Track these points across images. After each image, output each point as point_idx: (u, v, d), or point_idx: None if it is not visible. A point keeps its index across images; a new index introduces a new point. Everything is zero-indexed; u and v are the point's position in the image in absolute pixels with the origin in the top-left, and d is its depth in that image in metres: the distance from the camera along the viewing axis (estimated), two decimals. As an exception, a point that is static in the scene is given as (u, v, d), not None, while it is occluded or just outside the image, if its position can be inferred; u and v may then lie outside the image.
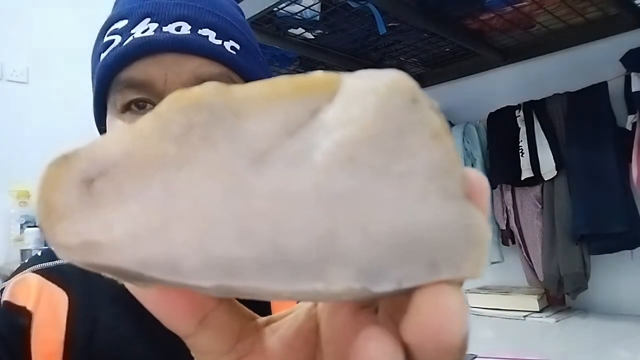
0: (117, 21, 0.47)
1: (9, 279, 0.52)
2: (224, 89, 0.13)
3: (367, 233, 0.12)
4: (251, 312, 0.20)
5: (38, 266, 0.52)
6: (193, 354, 0.18)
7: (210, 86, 0.13)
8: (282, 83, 0.13)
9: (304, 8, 1.17)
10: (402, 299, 0.14)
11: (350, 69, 1.61)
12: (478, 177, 0.14)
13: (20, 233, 2.15)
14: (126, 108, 0.45)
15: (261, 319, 0.20)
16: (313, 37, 1.35)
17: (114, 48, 0.45)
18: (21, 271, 0.53)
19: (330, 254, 0.12)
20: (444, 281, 0.13)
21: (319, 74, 0.13)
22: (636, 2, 1.20)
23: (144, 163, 0.12)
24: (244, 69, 0.48)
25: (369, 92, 0.13)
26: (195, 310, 0.16)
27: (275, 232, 0.12)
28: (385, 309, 0.17)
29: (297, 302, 0.19)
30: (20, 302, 0.49)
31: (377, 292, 0.13)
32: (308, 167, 0.12)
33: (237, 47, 0.48)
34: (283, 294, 0.13)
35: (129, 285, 0.15)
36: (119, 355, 0.48)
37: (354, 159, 0.12)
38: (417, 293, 0.13)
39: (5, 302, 0.49)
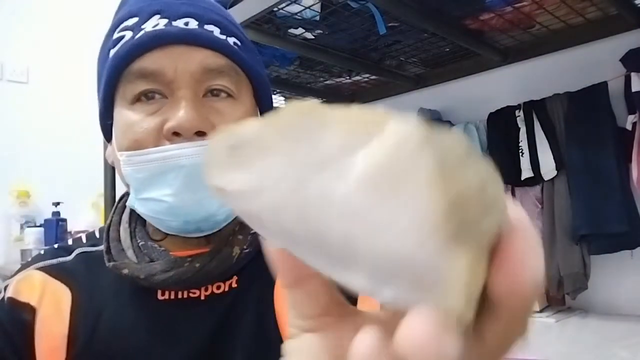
0: (127, 19, 0.50)
1: (12, 277, 0.53)
2: (320, 105, 0.17)
3: (373, 245, 0.15)
4: (343, 298, 0.22)
5: (41, 263, 0.54)
6: (289, 309, 0.22)
7: (312, 102, 0.17)
8: (359, 113, 0.16)
9: (304, 8, 1.17)
10: None
11: (351, 69, 1.61)
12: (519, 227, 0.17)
13: (20, 233, 2.15)
14: (136, 99, 0.48)
15: (351, 307, 0.22)
16: (313, 37, 1.35)
17: (125, 42, 0.48)
18: (25, 268, 0.54)
19: (352, 253, 0.16)
20: (428, 309, 0.15)
21: (379, 112, 0.16)
22: (636, 2, 1.20)
23: (262, 144, 0.18)
24: (247, 62, 0.51)
25: (401, 136, 0.16)
26: (295, 269, 0.20)
27: (319, 220, 0.16)
28: None
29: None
30: (24, 298, 0.50)
31: (382, 297, 0.16)
32: (346, 178, 0.16)
33: (239, 43, 0.51)
34: (325, 270, 0.17)
35: (263, 241, 0.20)
36: (122, 349, 0.49)
37: (377, 184, 0.15)
38: (405, 316, 0.15)
39: (10, 298, 0.50)
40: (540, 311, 1.30)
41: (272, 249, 0.20)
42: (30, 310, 0.49)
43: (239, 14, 1.09)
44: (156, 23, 0.48)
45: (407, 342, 0.15)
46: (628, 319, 1.21)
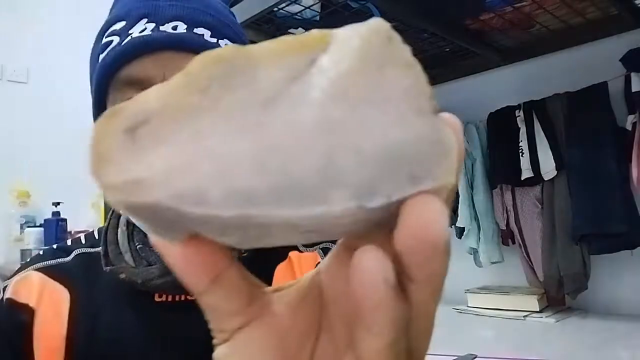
0: (114, 23, 0.49)
1: (11, 277, 0.53)
2: (241, 47, 0.15)
3: (358, 155, 0.14)
4: (260, 281, 0.21)
5: (40, 264, 0.53)
6: (206, 314, 0.19)
7: (229, 46, 0.15)
8: (287, 40, 0.15)
9: (304, 8, 1.17)
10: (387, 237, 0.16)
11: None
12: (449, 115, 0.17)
13: (20, 233, 2.15)
14: None
15: (269, 288, 0.21)
16: (313, 37, 1.35)
17: (112, 48, 0.47)
18: (24, 269, 0.54)
19: (330, 177, 0.14)
20: (425, 191, 0.15)
21: (315, 31, 0.15)
22: (636, 2, 1.20)
23: (176, 112, 0.15)
24: None
25: (354, 37, 0.15)
26: (209, 266, 0.18)
27: (284, 161, 0.14)
28: None
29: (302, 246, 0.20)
30: (22, 299, 0.50)
31: (372, 207, 0.15)
32: (308, 103, 0.14)
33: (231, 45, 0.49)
34: (292, 220, 0.15)
35: (156, 242, 0.17)
36: (120, 349, 0.49)
37: (345, 92, 0.15)
38: (404, 205, 0.15)
39: (8, 299, 0.50)
40: (540, 311, 1.30)
41: (176, 249, 0.17)
42: (29, 311, 0.49)
43: (239, 14, 1.09)
44: (143, 28, 0.47)
45: (419, 226, 0.14)
46: (628, 319, 1.21)
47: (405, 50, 0.16)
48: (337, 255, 0.20)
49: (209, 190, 0.14)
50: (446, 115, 0.16)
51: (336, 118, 0.14)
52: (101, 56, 0.48)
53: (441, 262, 0.15)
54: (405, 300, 0.16)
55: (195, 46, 0.46)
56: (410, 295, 0.16)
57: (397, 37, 0.16)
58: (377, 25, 0.16)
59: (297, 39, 0.15)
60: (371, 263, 0.15)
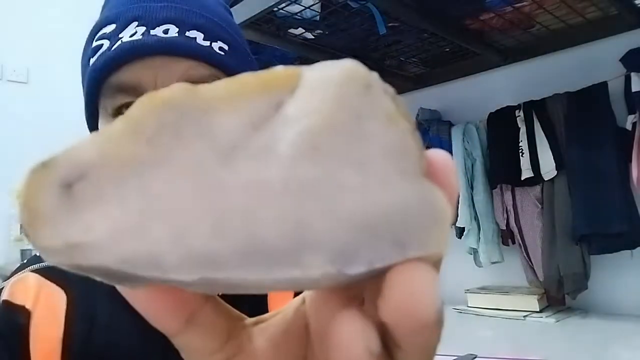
0: (105, 26, 0.47)
1: (8, 279, 0.53)
2: (192, 88, 0.13)
3: (335, 218, 0.13)
4: (239, 312, 0.19)
5: (37, 265, 0.53)
6: (182, 355, 0.18)
7: (178, 87, 0.13)
8: (247, 79, 0.13)
9: (304, 8, 1.17)
10: (380, 284, 0.14)
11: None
12: (440, 156, 0.15)
13: (20, 233, 2.15)
14: (117, 112, 0.45)
15: (250, 320, 0.20)
16: (313, 37, 1.35)
17: (102, 53, 0.46)
18: (20, 271, 0.53)
19: (303, 241, 0.13)
20: (412, 259, 0.13)
21: (280, 69, 0.13)
22: (636, 2, 1.20)
23: (119, 164, 0.13)
24: (233, 69, 0.47)
25: (326, 83, 0.13)
26: (181, 308, 0.16)
27: (248, 224, 0.13)
28: (369, 297, 0.17)
29: (293, 296, 0.18)
30: (19, 301, 0.50)
31: (352, 275, 0.13)
32: (274, 159, 0.13)
33: (226, 47, 0.48)
34: (264, 282, 0.13)
35: (118, 287, 0.15)
36: (117, 352, 0.48)
37: (317, 148, 0.13)
38: (388, 273, 0.13)
39: (4, 301, 0.50)
40: (540, 311, 1.30)
41: (141, 294, 0.16)
42: (26, 313, 0.49)
43: (238, 14, 1.09)
44: (133, 32, 0.45)
45: (404, 300, 0.13)
46: (628, 319, 1.21)
47: (387, 101, 0.14)
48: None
49: (163, 254, 0.13)
50: (439, 157, 0.15)
51: (307, 178, 0.13)
52: (91, 60, 0.47)
53: (431, 334, 0.14)
54: None
55: (187, 51, 0.45)
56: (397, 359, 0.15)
57: (376, 85, 0.14)
58: (352, 70, 0.13)
59: (259, 77, 0.13)
60: (353, 334, 0.14)
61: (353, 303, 0.17)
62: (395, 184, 0.13)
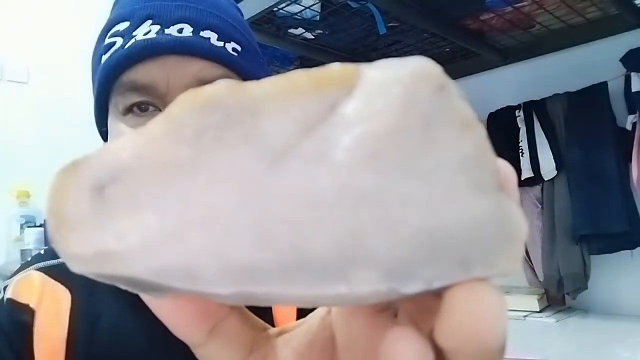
0: (118, 23, 0.47)
1: (11, 277, 0.53)
2: (238, 86, 0.12)
3: (394, 233, 0.12)
4: (263, 322, 0.19)
5: (41, 264, 0.53)
6: None
7: (223, 84, 0.12)
8: (298, 78, 0.12)
9: (304, 8, 1.17)
10: (425, 299, 0.13)
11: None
12: (507, 167, 0.13)
13: (20, 233, 2.15)
14: (128, 110, 0.45)
15: (273, 330, 0.19)
16: (313, 37, 1.35)
17: (115, 50, 0.45)
18: (24, 269, 0.53)
19: (355, 256, 0.12)
20: (476, 279, 0.12)
21: (336, 67, 0.12)
22: (636, 2, 1.20)
23: (157, 168, 0.12)
24: (246, 70, 0.48)
25: (391, 83, 0.12)
26: (205, 318, 0.16)
27: (295, 235, 0.12)
28: (406, 310, 0.16)
29: (313, 309, 0.18)
30: (23, 299, 0.50)
31: (406, 293, 0.12)
32: (329, 165, 0.12)
33: (239, 48, 0.48)
34: (305, 298, 0.12)
35: (143, 296, 0.14)
36: (121, 351, 0.48)
37: (377, 155, 0.11)
38: (449, 293, 0.12)
39: (9, 299, 0.50)
40: (540, 311, 1.30)
41: (165, 301, 0.15)
42: (30, 311, 0.49)
43: (239, 14, 1.09)
44: (148, 30, 0.45)
45: (468, 323, 0.12)
46: (628, 319, 1.21)
47: (463, 105, 0.12)
48: None
49: (201, 266, 0.12)
50: (507, 168, 0.13)
51: (365, 188, 0.11)
52: (104, 57, 0.47)
53: None
54: None
55: (201, 51, 0.45)
56: None
57: (451, 87, 0.12)
58: (423, 69, 0.12)
59: (311, 75, 0.12)
60: (410, 353, 0.12)
61: (386, 313, 0.17)
62: (467, 197, 0.12)
